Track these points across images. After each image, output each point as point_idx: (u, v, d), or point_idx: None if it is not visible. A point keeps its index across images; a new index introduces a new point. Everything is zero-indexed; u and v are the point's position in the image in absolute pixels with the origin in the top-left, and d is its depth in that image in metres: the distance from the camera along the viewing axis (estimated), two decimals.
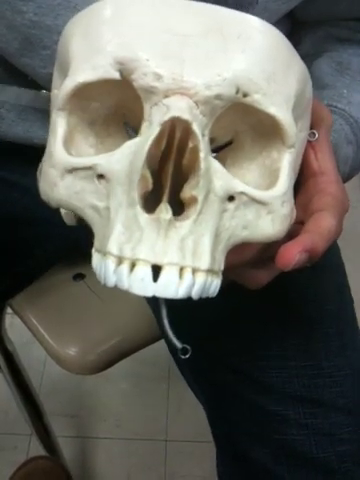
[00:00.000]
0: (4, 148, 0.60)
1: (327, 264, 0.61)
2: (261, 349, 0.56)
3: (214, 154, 0.35)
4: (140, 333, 0.68)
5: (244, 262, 0.36)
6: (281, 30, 0.58)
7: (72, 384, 1.22)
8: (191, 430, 1.15)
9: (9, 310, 0.76)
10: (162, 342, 0.67)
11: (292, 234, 0.35)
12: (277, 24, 0.53)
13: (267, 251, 0.35)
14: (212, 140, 0.33)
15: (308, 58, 0.57)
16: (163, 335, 0.68)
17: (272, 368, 0.55)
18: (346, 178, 0.50)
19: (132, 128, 0.36)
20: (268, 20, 0.50)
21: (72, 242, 0.70)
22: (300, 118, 0.34)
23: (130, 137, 0.34)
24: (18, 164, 0.63)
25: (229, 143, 0.36)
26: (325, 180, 0.38)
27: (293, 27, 0.61)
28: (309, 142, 0.39)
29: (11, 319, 0.83)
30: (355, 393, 0.55)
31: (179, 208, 0.30)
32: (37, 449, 1.00)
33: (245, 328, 0.57)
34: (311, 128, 0.39)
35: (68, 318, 0.69)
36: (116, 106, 0.33)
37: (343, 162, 0.47)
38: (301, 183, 0.40)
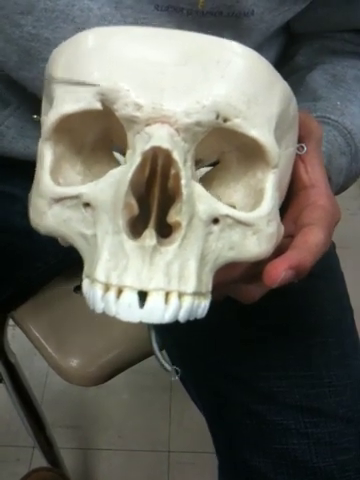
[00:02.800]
0: (6, 163, 0.61)
1: (326, 274, 0.61)
2: (262, 359, 0.57)
3: (207, 169, 0.35)
4: (141, 344, 0.69)
5: (234, 279, 0.37)
6: (277, 42, 0.59)
7: (74, 395, 1.23)
8: (193, 441, 1.15)
9: (11, 322, 0.76)
10: (163, 353, 0.68)
11: (282, 248, 0.35)
12: (273, 36, 0.54)
13: (257, 267, 0.36)
14: (199, 161, 0.35)
15: (303, 70, 0.58)
16: (164, 348, 0.68)
17: (273, 378, 0.56)
18: (340, 189, 0.51)
19: (121, 153, 0.36)
20: (264, 31, 0.51)
21: (73, 255, 0.71)
22: (285, 135, 0.35)
23: (119, 162, 0.35)
24: (20, 178, 0.64)
25: (217, 162, 0.37)
26: (315, 192, 0.39)
27: (289, 39, 0.62)
28: (299, 155, 0.40)
29: (13, 331, 0.83)
30: (355, 402, 0.56)
31: (169, 229, 0.31)
32: (39, 461, 1.00)
33: (246, 338, 0.58)
34: (300, 141, 0.39)
35: (69, 330, 0.69)
36: (103, 133, 0.35)
37: (337, 173, 0.48)
38: (292, 196, 0.40)
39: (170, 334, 0.59)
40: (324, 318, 0.58)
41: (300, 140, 0.39)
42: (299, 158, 0.40)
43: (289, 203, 0.40)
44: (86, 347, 0.69)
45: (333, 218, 0.38)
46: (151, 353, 0.71)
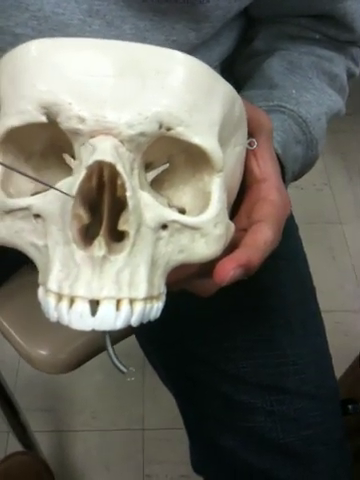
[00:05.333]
0: None
1: (288, 256, 0.63)
2: (227, 340, 0.58)
3: (159, 171, 0.36)
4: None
5: (189, 276, 0.38)
6: (236, 25, 0.59)
7: (47, 379, 1.25)
8: (167, 418, 1.18)
9: None
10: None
11: (236, 242, 0.37)
12: (232, 19, 0.54)
13: (212, 263, 0.37)
14: (150, 164, 0.36)
15: (261, 56, 0.58)
16: (134, 331, 0.69)
17: (239, 359, 0.58)
18: (297, 176, 0.52)
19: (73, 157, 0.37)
20: (221, 18, 0.52)
21: None
22: (232, 136, 0.36)
23: (70, 166, 0.35)
24: None
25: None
26: (266, 186, 0.40)
27: (247, 24, 0.62)
28: (250, 150, 0.41)
29: None
30: (318, 379, 0.58)
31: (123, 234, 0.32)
32: (15, 445, 1.01)
33: (211, 320, 0.60)
34: (251, 136, 0.41)
35: (38, 319, 0.69)
36: (51, 139, 0.35)
37: (292, 161, 0.49)
38: (245, 190, 0.42)
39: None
40: (287, 299, 0.60)
41: (250, 135, 0.41)
42: (251, 152, 0.41)
43: (243, 197, 0.42)
44: (55, 335, 0.70)
45: (283, 212, 0.40)
46: (123, 336, 0.72)
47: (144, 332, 0.67)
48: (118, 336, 0.71)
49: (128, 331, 0.71)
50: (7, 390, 0.90)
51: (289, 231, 0.66)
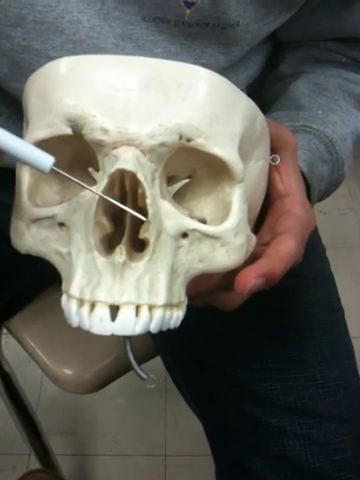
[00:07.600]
0: None
1: (317, 276, 0.63)
2: (256, 362, 0.58)
3: (181, 184, 0.37)
4: (135, 351, 0.69)
5: (212, 288, 0.39)
6: (263, 49, 0.60)
7: (69, 401, 1.25)
8: (189, 444, 1.17)
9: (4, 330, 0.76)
10: (157, 357, 0.68)
11: (258, 256, 0.37)
12: (259, 43, 0.55)
13: (233, 275, 0.37)
14: (172, 178, 0.37)
15: (287, 79, 0.59)
16: (158, 352, 0.69)
17: (267, 380, 0.57)
18: (322, 195, 0.53)
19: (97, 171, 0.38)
20: (250, 41, 0.53)
21: None
22: (254, 150, 0.38)
23: (96, 180, 0.36)
24: (11, 188, 0.64)
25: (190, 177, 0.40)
26: (290, 201, 0.41)
27: (275, 46, 0.63)
28: (274, 166, 0.42)
29: (6, 338, 0.83)
30: (348, 402, 0.57)
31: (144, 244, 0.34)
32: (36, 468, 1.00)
33: (240, 341, 0.60)
34: (274, 152, 0.42)
35: (64, 338, 0.71)
36: (78, 153, 0.37)
37: (318, 180, 0.50)
38: (269, 205, 0.42)
39: (164, 338, 0.59)
40: (316, 320, 0.60)
41: (274, 151, 0.42)
42: (274, 168, 0.42)
43: (266, 212, 0.42)
44: (81, 355, 0.71)
45: (307, 226, 0.40)
46: (147, 358, 0.72)
47: (171, 353, 0.66)
48: (144, 355, 0.71)
49: (153, 351, 0.70)
50: (30, 411, 0.90)
51: (317, 252, 0.67)
